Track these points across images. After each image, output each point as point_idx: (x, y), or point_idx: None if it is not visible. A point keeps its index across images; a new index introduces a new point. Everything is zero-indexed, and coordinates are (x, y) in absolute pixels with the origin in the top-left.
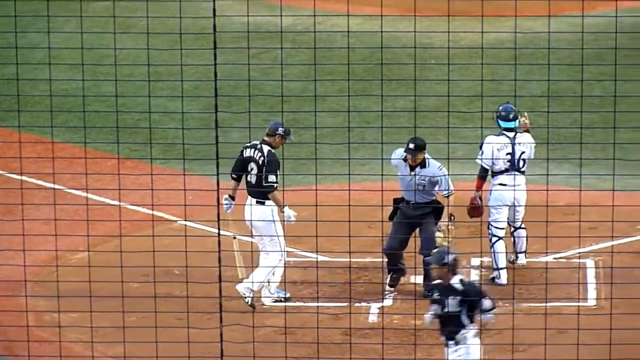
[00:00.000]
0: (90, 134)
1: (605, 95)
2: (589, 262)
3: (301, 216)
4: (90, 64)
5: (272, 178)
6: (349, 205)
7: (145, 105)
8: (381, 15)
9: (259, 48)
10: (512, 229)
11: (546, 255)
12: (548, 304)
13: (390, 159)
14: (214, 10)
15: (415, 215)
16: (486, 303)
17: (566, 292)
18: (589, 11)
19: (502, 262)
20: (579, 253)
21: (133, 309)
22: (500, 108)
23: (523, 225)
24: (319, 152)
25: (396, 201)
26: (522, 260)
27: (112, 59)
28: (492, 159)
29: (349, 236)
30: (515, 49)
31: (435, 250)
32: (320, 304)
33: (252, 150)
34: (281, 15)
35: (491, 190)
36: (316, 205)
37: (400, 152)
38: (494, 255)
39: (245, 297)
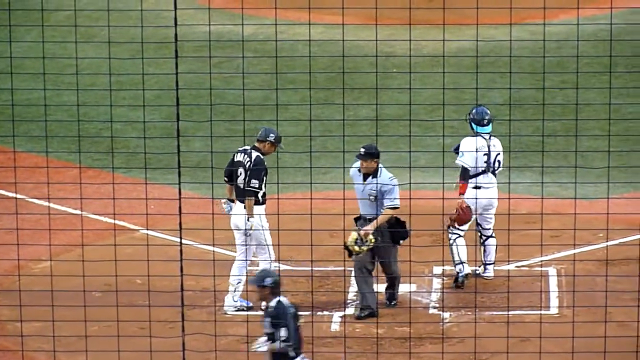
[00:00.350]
0: (52, 144)
1: (567, 103)
2: (551, 270)
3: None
4: (52, 73)
5: (254, 183)
6: (311, 214)
7: (107, 114)
8: (342, 24)
9: (221, 57)
10: (483, 238)
11: (508, 264)
12: (510, 312)
13: (350, 167)
14: (175, 19)
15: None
16: (282, 332)
17: (528, 300)
18: (551, 19)
19: (463, 254)
20: (541, 261)
21: (95, 318)
22: (474, 111)
23: (493, 234)
24: (281, 161)
25: (356, 220)
26: (489, 272)
27: (74, 69)
28: (475, 160)
29: (311, 245)
30: (476, 58)
31: (259, 270)
32: None
33: (242, 154)
34: (242, 24)
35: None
36: (278, 214)
37: (358, 163)
38: (456, 249)
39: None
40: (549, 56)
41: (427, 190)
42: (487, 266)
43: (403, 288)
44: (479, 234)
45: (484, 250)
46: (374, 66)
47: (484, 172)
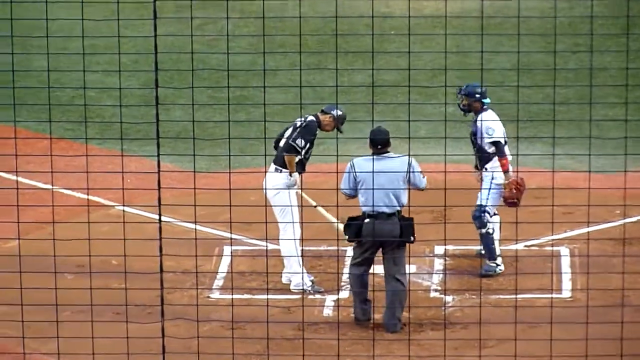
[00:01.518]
0: (20, 113)
1: (580, 68)
2: (563, 250)
3: (249, 200)
4: (21, 36)
5: (299, 141)
6: (301, 189)
7: (80, 81)
8: None
9: (204, 18)
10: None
11: (516, 243)
12: (518, 296)
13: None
14: None
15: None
16: None
17: (538, 282)
18: None
19: (498, 248)
20: (552, 240)
21: (68, 302)
22: (472, 88)
23: (496, 211)
24: (269, 132)
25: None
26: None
27: (44, 31)
28: (503, 131)
29: (301, 222)
30: (482, 19)
31: None
32: (270, 297)
33: (299, 119)
34: None
35: (492, 171)
36: (265, 189)
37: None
38: (494, 243)
39: (306, 291)
40: (560, 17)
41: (428, 163)
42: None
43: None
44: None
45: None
46: (369, 28)
47: (506, 142)
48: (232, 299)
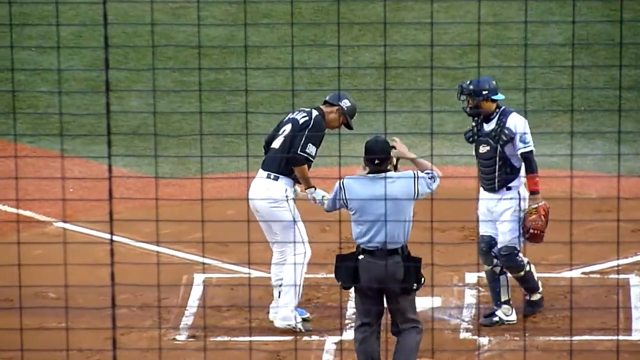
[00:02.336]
0: None
1: None
2: (633, 279)
3: (226, 215)
4: None
5: (310, 149)
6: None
7: (7, 60)
8: None
9: None
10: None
11: (571, 269)
12: (574, 338)
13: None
14: None
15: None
16: None
17: (600, 320)
18: None
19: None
20: (618, 266)
21: None
22: (480, 84)
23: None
24: (252, 126)
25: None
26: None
27: None
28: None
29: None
30: None
31: None
32: (254, 338)
33: (297, 112)
34: None
35: (518, 190)
36: (247, 199)
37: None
38: (533, 276)
39: (295, 328)
40: None
41: (456, 165)
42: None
43: (422, 303)
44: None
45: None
46: None
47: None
48: (205, 341)
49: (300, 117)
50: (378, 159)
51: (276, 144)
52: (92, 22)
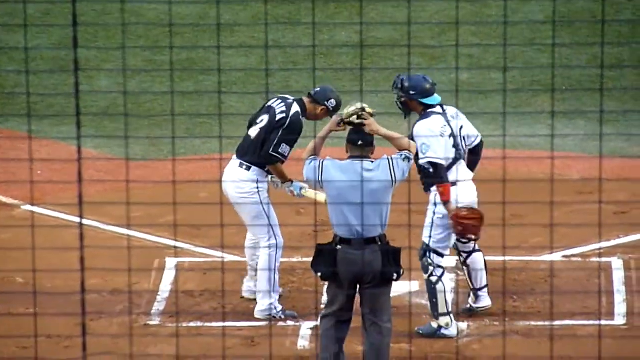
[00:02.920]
0: None
1: (639, 20)
2: (616, 262)
3: (198, 198)
4: None
5: (283, 149)
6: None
7: None
8: None
9: None
10: (463, 256)
11: (551, 253)
12: (555, 323)
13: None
14: None
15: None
16: None
17: (582, 305)
18: None
19: (449, 303)
20: (601, 249)
21: None
22: (409, 81)
23: (477, 247)
24: (225, 106)
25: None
26: (484, 301)
27: None
28: (445, 147)
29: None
30: None
31: None
32: (227, 324)
33: (278, 102)
34: None
35: (435, 193)
36: (221, 182)
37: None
38: (437, 296)
39: (274, 316)
40: None
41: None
42: (480, 293)
43: (400, 287)
44: (457, 250)
45: (469, 274)
46: None
47: (455, 160)
48: (178, 327)
49: (278, 111)
50: (362, 140)
51: (252, 132)
52: (60, 0)
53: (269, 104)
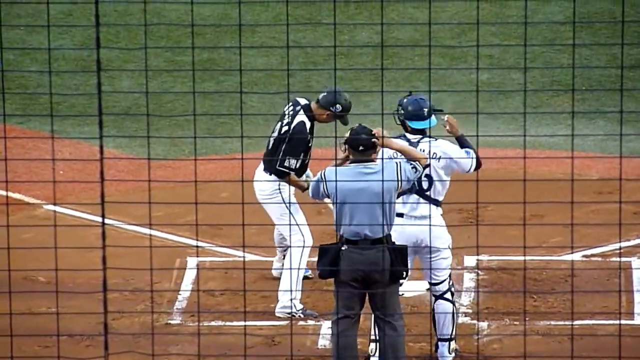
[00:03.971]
0: None
1: None
2: (635, 262)
3: (220, 197)
4: None
5: (290, 163)
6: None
7: None
8: None
9: None
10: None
11: (571, 252)
12: (575, 322)
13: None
14: None
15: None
16: None
17: (602, 304)
18: None
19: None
20: (620, 249)
21: None
22: (406, 102)
23: (447, 294)
24: (247, 107)
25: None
26: (443, 355)
27: None
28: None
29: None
30: None
31: None
32: (249, 323)
33: (290, 108)
34: None
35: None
36: (242, 181)
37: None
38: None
39: (294, 314)
40: None
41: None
42: (440, 342)
43: (418, 286)
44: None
45: (433, 318)
46: None
47: (402, 193)
48: (199, 326)
49: (285, 122)
50: (363, 145)
51: (270, 141)
52: (83, 0)
53: (284, 109)
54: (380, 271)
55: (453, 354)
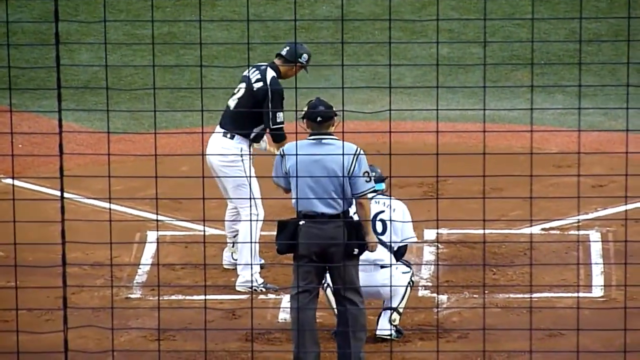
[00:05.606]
0: None
1: None
2: (593, 235)
3: (180, 171)
4: None
5: (279, 117)
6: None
7: None
8: None
9: None
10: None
11: (531, 226)
12: (534, 295)
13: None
14: None
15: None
16: None
17: (560, 277)
18: None
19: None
20: (579, 222)
21: None
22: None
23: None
24: (207, 81)
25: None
26: (383, 326)
27: None
28: None
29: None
30: None
31: None
32: (209, 297)
33: (253, 70)
34: None
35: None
36: (202, 155)
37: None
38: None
39: (255, 288)
40: None
41: (414, 120)
42: (384, 312)
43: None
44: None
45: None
46: None
47: None
48: (159, 300)
49: (254, 80)
50: (320, 116)
51: (231, 102)
52: None
53: (245, 73)
54: (338, 246)
55: (392, 328)
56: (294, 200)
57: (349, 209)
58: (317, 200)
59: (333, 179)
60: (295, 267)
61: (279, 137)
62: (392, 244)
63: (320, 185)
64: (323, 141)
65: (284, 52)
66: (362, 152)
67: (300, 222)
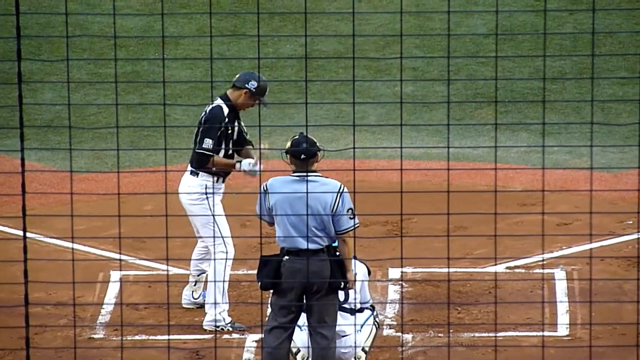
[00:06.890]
0: None
1: (580, 33)
2: (558, 273)
3: (144, 210)
4: None
5: (206, 143)
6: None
7: None
8: None
9: None
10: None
11: (495, 264)
12: (499, 334)
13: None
14: None
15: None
16: None
17: (525, 316)
18: None
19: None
20: (544, 260)
21: None
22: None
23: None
24: (170, 119)
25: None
26: None
27: None
28: None
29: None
30: None
31: None
32: (172, 337)
33: (209, 104)
34: None
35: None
36: (165, 193)
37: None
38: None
39: (222, 327)
40: None
41: (378, 159)
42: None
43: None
44: None
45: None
46: None
47: None
48: (122, 340)
49: (202, 113)
50: (304, 153)
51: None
52: (4, 12)
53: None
54: (321, 281)
55: None
56: (278, 236)
57: (333, 244)
58: (300, 237)
59: (316, 216)
60: (274, 302)
61: (200, 162)
62: (354, 305)
63: (304, 222)
64: (310, 179)
65: (234, 80)
66: (345, 189)
67: (284, 258)
